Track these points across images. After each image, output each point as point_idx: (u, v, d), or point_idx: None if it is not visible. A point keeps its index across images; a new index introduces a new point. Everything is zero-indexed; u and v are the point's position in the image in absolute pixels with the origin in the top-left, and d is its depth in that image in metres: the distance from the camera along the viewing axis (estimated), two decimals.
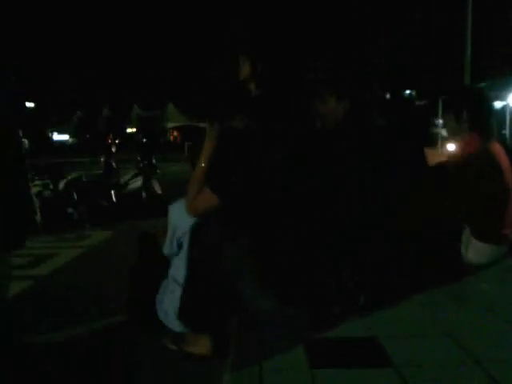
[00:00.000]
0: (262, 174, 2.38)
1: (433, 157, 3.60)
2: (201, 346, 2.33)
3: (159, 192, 9.17)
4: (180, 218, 2.52)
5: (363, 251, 2.51)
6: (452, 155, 3.43)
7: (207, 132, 2.51)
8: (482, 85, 13.00)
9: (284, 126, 2.49)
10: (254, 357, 2.01)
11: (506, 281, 2.93)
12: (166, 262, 2.64)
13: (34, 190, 7.20)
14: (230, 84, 2.93)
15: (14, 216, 1.82)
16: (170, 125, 36.67)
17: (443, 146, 4.30)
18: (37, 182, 7.46)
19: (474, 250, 3.05)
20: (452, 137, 3.51)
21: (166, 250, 2.63)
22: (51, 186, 7.56)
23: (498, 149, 3.22)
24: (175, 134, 37.59)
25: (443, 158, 3.49)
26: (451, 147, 3.72)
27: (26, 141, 10.18)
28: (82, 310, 3.51)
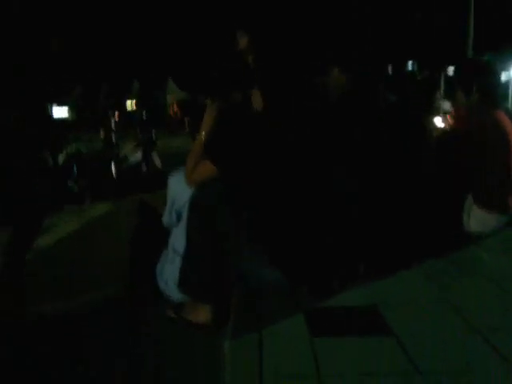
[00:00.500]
0: (271, 151, 2.36)
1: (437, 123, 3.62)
2: (201, 314, 2.33)
3: (159, 165, 9.17)
4: (179, 189, 2.52)
5: (363, 218, 2.51)
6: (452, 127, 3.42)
7: (207, 106, 2.50)
8: (485, 57, 12.85)
9: (292, 102, 2.49)
10: (254, 325, 2.01)
11: (507, 250, 2.91)
12: (165, 233, 2.64)
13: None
14: (228, 57, 2.90)
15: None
16: (169, 98, 36.42)
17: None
18: None
19: (477, 219, 3.05)
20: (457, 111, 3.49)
21: (166, 220, 2.63)
22: (51, 159, 7.52)
23: (504, 118, 3.20)
24: (175, 108, 37.40)
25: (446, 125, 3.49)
26: (438, 121, 3.73)
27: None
28: (82, 280, 3.52)
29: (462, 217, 3.08)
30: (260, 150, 2.36)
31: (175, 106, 37.90)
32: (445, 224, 2.97)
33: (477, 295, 2.28)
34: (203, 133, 2.45)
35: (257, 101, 2.47)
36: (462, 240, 2.96)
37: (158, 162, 9.21)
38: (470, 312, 2.06)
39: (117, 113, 12.12)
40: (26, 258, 1.98)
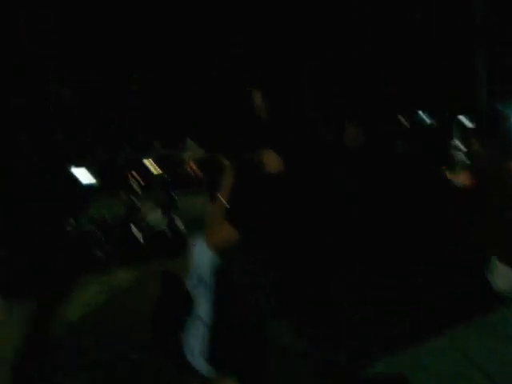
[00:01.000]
0: (291, 212, 2.39)
1: (455, 179, 3.58)
2: None
3: (181, 227, 9.26)
4: (201, 254, 2.55)
5: (392, 282, 2.49)
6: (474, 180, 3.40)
7: (226, 167, 2.54)
8: (498, 104, 12.86)
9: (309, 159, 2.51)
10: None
11: None
12: (190, 300, 2.66)
13: None
14: (246, 117, 2.97)
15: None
16: (188, 158, 36.97)
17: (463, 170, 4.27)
18: None
19: (503, 278, 2.97)
20: (477, 164, 3.46)
21: (189, 286, 2.65)
22: (76, 227, 7.67)
23: None
24: (194, 167, 37.93)
25: (465, 180, 3.46)
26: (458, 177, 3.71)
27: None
28: (105, 351, 3.54)
29: (487, 275, 3.01)
30: (281, 211, 2.39)
31: (194, 165, 38.54)
32: (472, 285, 2.91)
33: (507, 360, 2.23)
34: (222, 196, 2.47)
35: (272, 161, 2.51)
36: (490, 300, 2.89)
37: (179, 223, 9.32)
38: (499, 377, 2.03)
39: (138, 175, 12.35)
40: (49, 328, 2.00)
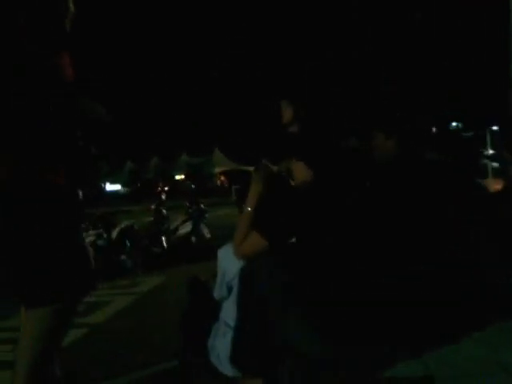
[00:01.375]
0: (319, 221, 2.37)
1: (489, 186, 3.55)
2: None
3: (208, 236, 9.31)
4: (229, 262, 2.55)
5: (416, 287, 2.46)
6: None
7: (253, 176, 2.56)
8: None
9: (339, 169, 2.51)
10: None
11: None
12: (216, 306, 2.67)
13: (88, 239, 7.46)
14: (274, 128, 2.99)
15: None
16: (216, 169, 37.32)
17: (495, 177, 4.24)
18: (91, 232, 7.72)
19: None
20: (504, 167, 3.46)
21: (216, 293, 2.66)
22: (105, 235, 7.79)
23: None
24: (222, 178, 38.19)
25: (498, 187, 3.43)
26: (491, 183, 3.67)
27: (79, 192, 10.59)
28: (135, 357, 3.56)
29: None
30: (308, 220, 2.37)
31: (222, 176, 38.83)
32: (502, 288, 2.87)
33: None
34: (250, 205, 2.49)
35: (300, 171, 2.51)
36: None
37: (206, 232, 9.36)
38: None
39: (166, 185, 12.52)
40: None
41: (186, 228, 9.37)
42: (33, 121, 1.75)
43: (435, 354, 2.33)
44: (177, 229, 9.54)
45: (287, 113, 2.68)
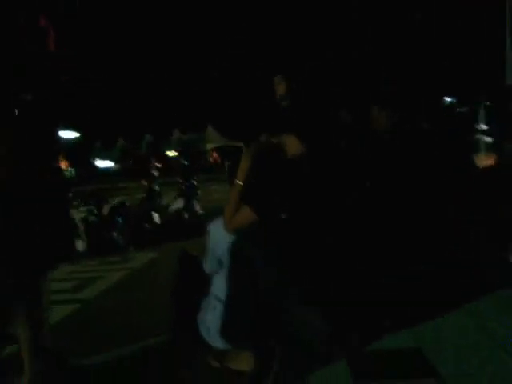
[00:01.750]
0: (310, 194, 2.35)
1: (480, 161, 3.53)
2: (243, 362, 2.32)
3: (201, 212, 9.30)
4: (219, 237, 2.54)
5: (410, 261, 2.45)
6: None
7: (244, 150, 2.53)
8: None
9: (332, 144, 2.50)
10: (298, 373, 1.98)
11: None
12: (207, 280, 2.66)
13: (79, 216, 7.41)
14: (266, 103, 2.96)
15: (49, 239, 1.85)
16: (209, 146, 37.15)
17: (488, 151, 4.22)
18: (82, 208, 7.66)
19: None
20: (497, 141, 3.44)
21: (207, 267, 2.65)
22: (96, 212, 7.74)
23: None
24: (215, 155, 38.04)
25: (491, 162, 3.41)
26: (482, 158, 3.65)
27: (72, 169, 10.51)
28: (126, 331, 3.55)
29: (508, 253, 2.98)
30: (298, 193, 2.35)
31: (214, 152, 38.71)
32: (490, 260, 2.88)
33: None
34: (239, 178, 2.48)
35: (291, 145, 2.48)
36: (509, 275, 2.86)
37: (199, 209, 9.35)
38: None
39: (158, 162, 12.44)
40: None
41: (178, 204, 9.35)
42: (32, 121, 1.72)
43: (423, 325, 2.33)
44: (169, 205, 9.52)
45: (280, 88, 2.65)
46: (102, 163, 41.34)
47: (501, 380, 1.78)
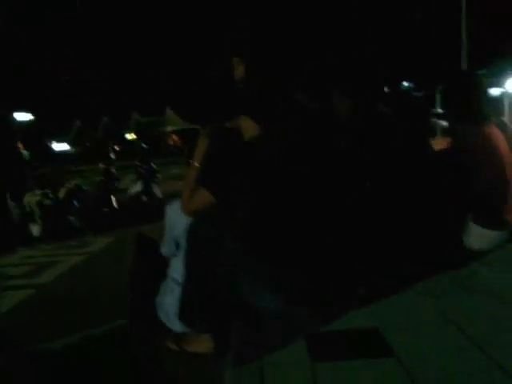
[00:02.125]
0: (266, 176, 2.34)
1: (435, 145, 3.60)
2: (202, 344, 2.31)
3: (160, 196, 9.20)
4: (177, 218, 2.52)
5: (362, 237, 2.48)
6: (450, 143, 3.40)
7: (201, 132, 2.52)
8: (480, 72, 12.96)
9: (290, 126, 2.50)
10: (256, 353, 1.99)
11: (507, 266, 2.89)
12: (165, 264, 2.63)
13: (34, 199, 7.22)
14: (224, 85, 2.93)
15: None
16: (169, 129, 36.73)
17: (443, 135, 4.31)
18: (37, 192, 7.47)
19: (476, 236, 3.02)
20: (452, 125, 3.50)
21: (165, 250, 2.63)
22: (51, 195, 7.56)
23: (495, 133, 3.19)
24: (175, 138, 37.64)
25: (445, 146, 3.47)
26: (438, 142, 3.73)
27: (27, 152, 10.23)
28: (83, 317, 3.50)
29: (462, 234, 3.05)
30: (254, 174, 2.35)
31: (174, 135, 38.31)
32: (445, 242, 2.95)
33: (478, 312, 2.25)
34: (197, 160, 2.46)
35: (248, 127, 2.48)
36: (462, 257, 2.94)
37: (158, 192, 9.26)
38: (471, 329, 2.04)
39: (116, 145, 12.24)
40: None
41: (137, 188, 9.23)
42: None
43: (380, 305, 2.38)
44: (127, 189, 9.38)
45: (239, 70, 2.62)
46: (58, 146, 40.35)
47: (456, 357, 1.83)
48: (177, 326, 2.40)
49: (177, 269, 2.47)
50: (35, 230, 7.03)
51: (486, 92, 3.70)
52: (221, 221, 2.35)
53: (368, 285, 2.42)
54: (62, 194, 7.67)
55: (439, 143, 3.76)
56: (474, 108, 3.18)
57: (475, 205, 3.06)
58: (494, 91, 14.48)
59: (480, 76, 3.83)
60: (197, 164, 2.46)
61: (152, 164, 9.65)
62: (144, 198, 9.03)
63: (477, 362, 1.79)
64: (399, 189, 2.84)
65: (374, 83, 3.21)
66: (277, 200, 2.34)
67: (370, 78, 3.17)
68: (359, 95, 2.98)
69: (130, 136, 38.44)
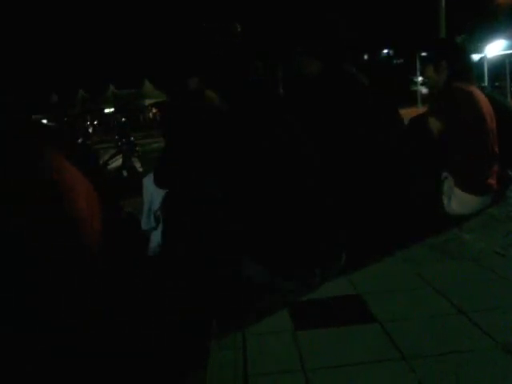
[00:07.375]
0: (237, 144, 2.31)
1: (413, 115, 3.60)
2: None
3: (141, 170, 9.09)
4: (155, 190, 2.48)
5: (341, 206, 2.47)
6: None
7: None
8: (458, 39, 12.95)
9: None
10: (238, 323, 1.98)
11: (488, 230, 2.90)
12: (142, 236, 2.60)
13: None
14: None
15: None
16: (148, 102, 36.16)
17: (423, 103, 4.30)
18: None
19: (458, 201, 3.03)
20: (431, 89, 3.49)
21: (144, 224, 2.59)
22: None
23: (479, 95, 3.18)
24: (154, 110, 37.13)
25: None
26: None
27: None
28: None
29: (441, 199, 3.06)
30: (223, 142, 2.30)
31: (153, 108, 37.80)
32: (424, 207, 2.95)
33: (459, 277, 2.27)
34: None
35: (210, 96, 2.44)
36: (443, 223, 2.95)
37: (138, 166, 9.14)
38: (453, 294, 2.05)
39: (94, 119, 12.05)
40: None
41: (117, 162, 9.09)
42: None
43: (361, 272, 2.39)
44: (107, 163, 9.23)
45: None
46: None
47: (438, 323, 1.84)
48: None
49: (155, 240, 2.44)
50: None
51: (469, 57, 3.71)
52: (200, 189, 2.31)
53: (348, 253, 2.41)
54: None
55: (420, 111, 3.77)
56: (464, 70, 3.19)
57: (458, 170, 3.06)
58: (474, 57, 14.51)
59: (462, 41, 3.83)
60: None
61: (131, 138, 9.49)
62: (124, 173, 8.91)
63: (457, 325, 1.81)
64: (372, 153, 2.81)
65: (343, 46, 3.16)
66: (252, 168, 2.31)
67: (338, 41, 3.13)
68: (326, 57, 2.96)
69: (108, 110, 37.80)
